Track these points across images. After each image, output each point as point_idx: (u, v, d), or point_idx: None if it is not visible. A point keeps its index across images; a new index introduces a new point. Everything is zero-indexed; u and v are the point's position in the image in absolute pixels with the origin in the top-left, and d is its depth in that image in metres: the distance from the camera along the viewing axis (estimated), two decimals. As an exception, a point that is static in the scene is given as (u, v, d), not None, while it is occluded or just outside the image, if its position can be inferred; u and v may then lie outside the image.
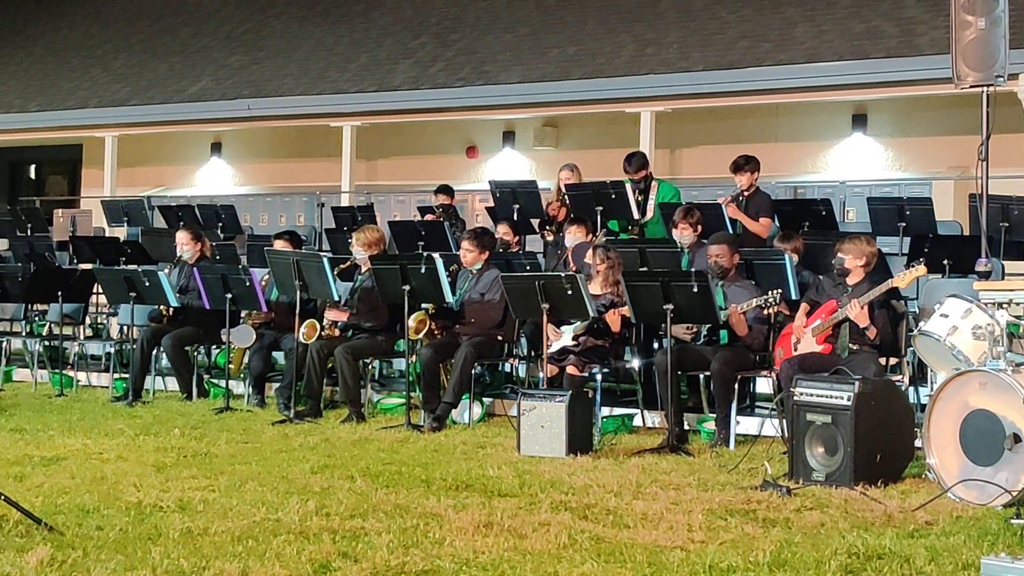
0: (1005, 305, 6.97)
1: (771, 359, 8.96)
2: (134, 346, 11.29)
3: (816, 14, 15.92)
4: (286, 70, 19.03)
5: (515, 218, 12.04)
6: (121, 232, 15.87)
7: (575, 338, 9.44)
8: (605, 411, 9.51)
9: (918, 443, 7.30)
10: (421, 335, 9.88)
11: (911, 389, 8.80)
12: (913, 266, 8.33)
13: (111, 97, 19.93)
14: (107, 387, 11.98)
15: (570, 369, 9.22)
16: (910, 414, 7.60)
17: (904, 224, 11.25)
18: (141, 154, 20.56)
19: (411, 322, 9.73)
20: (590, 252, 9.86)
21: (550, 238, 11.91)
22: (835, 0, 16.03)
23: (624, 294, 8.96)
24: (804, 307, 8.78)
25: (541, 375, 9.22)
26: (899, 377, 8.54)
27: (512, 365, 10.69)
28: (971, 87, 8.44)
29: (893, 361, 8.77)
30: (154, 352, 11.35)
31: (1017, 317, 7.47)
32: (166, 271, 11.53)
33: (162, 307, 11.37)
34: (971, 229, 10.74)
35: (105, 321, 14.86)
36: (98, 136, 19.85)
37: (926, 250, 10.17)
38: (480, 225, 12.46)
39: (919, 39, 14.57)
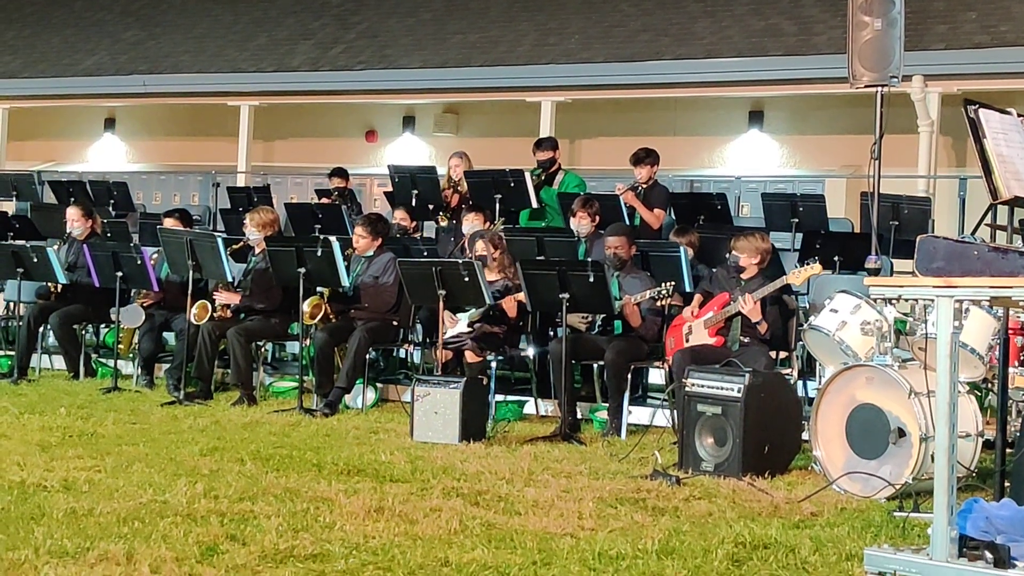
0: (893, 302, 7.07)
1: (663, 350, 9.03)
2: (20, 323, 11.05)
3: (717, 10, 16.08)
4: (183, 47, 18.74)
5: (413, 204, 11.96)
6: (10, 207, 15.49)
7: (470, 325, 9.44)
8: (499, 398, 9.52)
9: (805, 435, 7.41)
10: (316, 319, 9.81)
11: (800, 382, 8.92)
12: (808, 264, 8.40)
13: (2, 69, 19.45)
14: (-9, 364, 11.74)
15: (469, 355, 9.21)
16: (798, 407, 7.71)
17: (797, 220, 11.39)
18: (32, 128, 20.12)
19: (306, 306, 9.65)
20: (478, 242, 9.83)
21: (444, 223, 11.89)
22: (735, -3, 16.21)
23: (520, 280, 8.97)
24: (698, 298, 8.86)
25: (436, 361, 9.19)
26: (788, 370, 8.67)
27: (407, 351, 10.65)
28: (866, 87, 8.56)
29: (783, 354, 8.88)
30: (41, 329, 11.15)
31: (904, 314, 7.62)
32: (55, 247, 11.31)
33: (50, 284, 11.17)
34: (862, 227, 10.91)
35: (-9, 297, 14.54)
36: (-13, 108, 19.40)
37: (818, 246, 10.28)
38: (375, 211, 12.39)
39: (817, 38, 14.78)
